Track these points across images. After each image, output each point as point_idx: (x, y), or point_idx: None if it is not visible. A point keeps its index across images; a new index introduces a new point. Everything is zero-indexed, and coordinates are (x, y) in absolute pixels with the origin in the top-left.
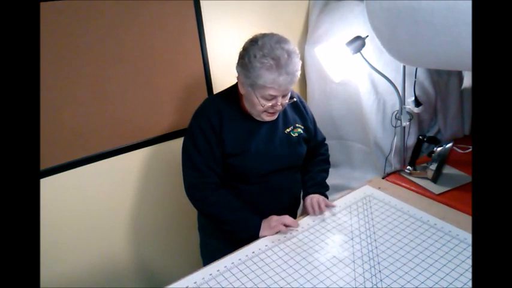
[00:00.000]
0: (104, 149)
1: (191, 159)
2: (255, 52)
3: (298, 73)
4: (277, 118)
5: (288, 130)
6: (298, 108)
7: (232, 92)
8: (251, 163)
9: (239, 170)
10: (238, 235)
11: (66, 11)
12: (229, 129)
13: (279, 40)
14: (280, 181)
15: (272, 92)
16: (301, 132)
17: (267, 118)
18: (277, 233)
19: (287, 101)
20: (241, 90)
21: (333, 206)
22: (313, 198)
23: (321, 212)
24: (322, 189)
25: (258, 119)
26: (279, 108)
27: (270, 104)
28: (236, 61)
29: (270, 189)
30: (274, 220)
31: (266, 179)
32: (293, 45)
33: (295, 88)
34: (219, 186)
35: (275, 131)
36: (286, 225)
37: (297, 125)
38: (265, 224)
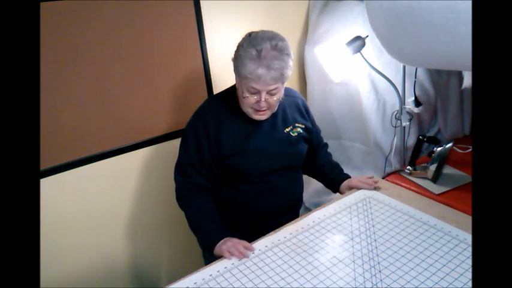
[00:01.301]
0: (104, 149)
1: (179, 158)
2: (244, 43)
3: (285, 71)
4: (276, 118)
5: (287, 130)
6: (299, 109)
7: (232, 92)
8: (250, 162)
9: (238, 169)
10: (199, 243)
11: (66, 11)
12: (228, 130)
13: (272, 36)
14: (281, 181)
15: (253, 84)
16: (301, 131)
17: (254, 116)
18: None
19: (275, 100)
20: (236, 83)
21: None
22: (361, 177)
23: (376, 184)
24: (348, 175)
25: (250, 117)
26: (263, 105)
27: (255, 99)
28: None
29: (270, 190)
30: (227, 245)
31: (266, 179)
32: (287, 44)
33: (295, 88)
34: (202, 189)
35: (274, 131)
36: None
37: (297, 124)
38: (221, 243)
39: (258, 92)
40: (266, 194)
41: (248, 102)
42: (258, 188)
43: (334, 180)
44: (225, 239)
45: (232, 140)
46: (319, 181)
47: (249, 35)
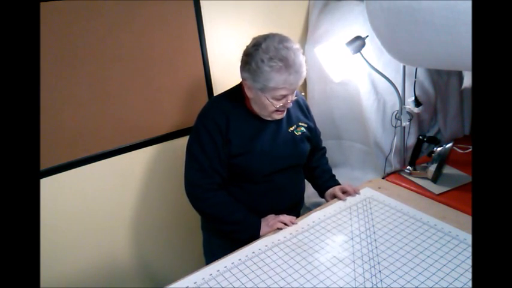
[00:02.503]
0: (104, 149)
1: (197, 161)
2: (261, 56)
3: (305, 69)
4: None
5: (291, 129)
6: (300, 107)
7: (237, 91)
8: (256, 163)
9: (244, 169)
10: (238, 235)
11: (66, 11)
12: (236, 130)
13: (281, 40)
14: (284, 180)
15: (283, 92)
16: (304, 130)
17: (277, 117)
18: (277, 229)
19: (295, 98)
20: (249, 94)
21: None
22: (345, 184)
23: (357, 192)
24: (338, 182)
25: (268, 119)
26: (290, 105)
27: (281, 104)
28: (237, 63)
29: (274, 189)
30: (272, 218)
31: (270, 179)
32: (295, 42)
33: None
34: (221, 187)
35: (279, 130)
36: (284, 223)
37: (300, 123)
38: (263, 223)
39: (285, 97)
40: (269, 193)
41: (274, 107)
42: (262, 187)
43: (321, 185)
44: (263, 220)
45: (240, 140)
46: (309, 182)
47: (258, 46)
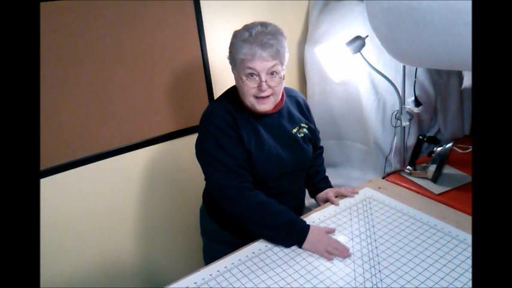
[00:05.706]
0: (104, 149)
1: (221, 162)
2: (236, 32)
3: (281, 49)
4: (283, 118)
5: (294, 130)
6: (301, 108)
7: (233, 93)
8: (265, 165)
9: (253, 172)
10: (279, 242)
11: (66, 11)
12: (243, 128)
13: (263, 22)
14: (290, 184)
15: (250, 64)
16: (306, 132)
17: (258, 106)
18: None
19: (276, 81)
20: (235, 81)
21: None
22: (340, 188)
23: (355, 193)
24: (329, 183)
25: (254, 108)
26: (265, 87)
27: (256, 81)
28: None
29: (280, 193)
30: (324, 240)
31: (278, 183)
32: (278, 28)
33: (295, 88)
34: (253, 187)
35: (284, 133)
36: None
37: (302, 124)
38: (313, 237)
39: (257, 75)
40: (276, 197)
41: (249, 88)
42: (269, 191)
43: (312, 186)
44: (311, 233)
45: (248, 139)
46: None
47: (242, 27)
